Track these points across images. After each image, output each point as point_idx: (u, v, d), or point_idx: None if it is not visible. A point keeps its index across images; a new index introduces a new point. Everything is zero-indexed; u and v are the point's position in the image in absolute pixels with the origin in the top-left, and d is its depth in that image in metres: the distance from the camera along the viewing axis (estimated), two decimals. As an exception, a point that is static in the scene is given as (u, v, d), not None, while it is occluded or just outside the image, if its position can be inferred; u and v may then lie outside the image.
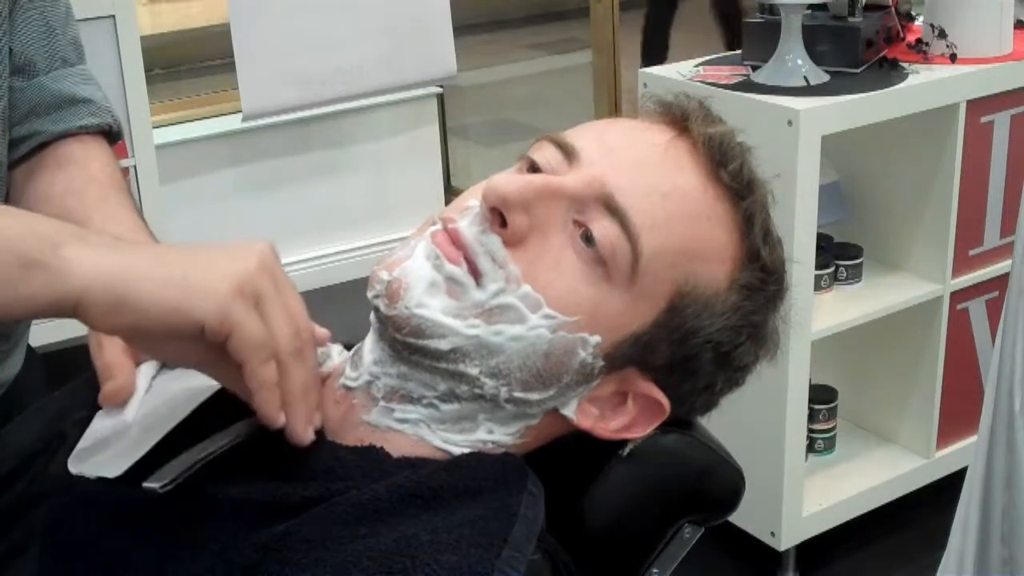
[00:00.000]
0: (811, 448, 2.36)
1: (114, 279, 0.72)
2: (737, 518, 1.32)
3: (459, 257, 0.80)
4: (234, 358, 0.75)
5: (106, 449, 0.82)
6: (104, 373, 0.84)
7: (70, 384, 0.95)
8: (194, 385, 0.85)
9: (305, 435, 0.80)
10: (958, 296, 2.31)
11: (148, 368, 0.87)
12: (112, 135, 1.16)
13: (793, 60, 2.06)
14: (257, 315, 0.75)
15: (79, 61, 1.16)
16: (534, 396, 0.82)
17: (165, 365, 0.88)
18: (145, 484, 0.77)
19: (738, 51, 2.25)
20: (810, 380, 2.20)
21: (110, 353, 0.85)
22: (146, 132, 2.51)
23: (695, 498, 0.90)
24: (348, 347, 0.90)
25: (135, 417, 0.83)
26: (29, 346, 1.24)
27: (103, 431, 0.82)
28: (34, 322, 1.25)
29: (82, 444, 0.83)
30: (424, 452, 0.83)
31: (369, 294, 0.83)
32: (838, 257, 2.29)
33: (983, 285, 2.34)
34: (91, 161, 1.10)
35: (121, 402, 0.84)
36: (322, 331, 0.85)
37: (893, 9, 2.29)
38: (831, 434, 2.39)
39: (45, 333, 1.25)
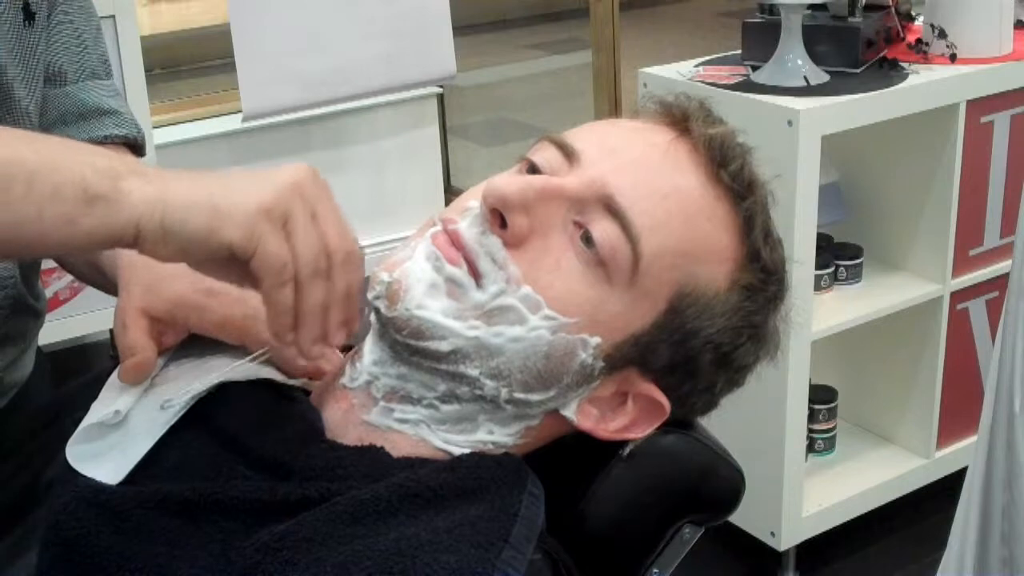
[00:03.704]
0: (811, 448, 2.36)
1: (158, 209, 0.74)
2: (737, 518, 1.32)
3: (459, 258, 0.81)
4: (256, 279, 0.75)
5: (100, 441, 0.82)
6: (125, 353, 0.85)
7: (72, 384, 0.96)
8: (191, 385, 0.85)
9: (311, 351, 0.79)
10: (958, 296, 2.31)
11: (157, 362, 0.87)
12: (136, 147, 1.20)
13: (793, 60, 2.05)
14: (281, 236, 0.75)
15: (107, 76, 1.20)
16: (534, 397, 0.82)
17: (173, 359, 0.88)
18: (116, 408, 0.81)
19: (738, 51, 2.25)
20: (810, 380, 2.19)
21: (133, 335, 0.86)
22: (146, 132, 2.51)
23: (695, 498, 0.90)
24: (347, 349, 0.90)
25: (128, 409, 0.83)
26: (38, 347, 1.25)
27: (96, 417, 0.83)
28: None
29: (80, 427, 0.83)
30: (424, 452, 0.83)
31: (369, 295, 0.83)
32: (838, 257, 2.29)
33: (983, 285, 2.33)
34: None
35: (138, 380, 0.84)
36: None
37: (893, 9, 2.29)
38: (831, 434, 2.39)
39: (46, 332, 1.26)
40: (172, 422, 0.84)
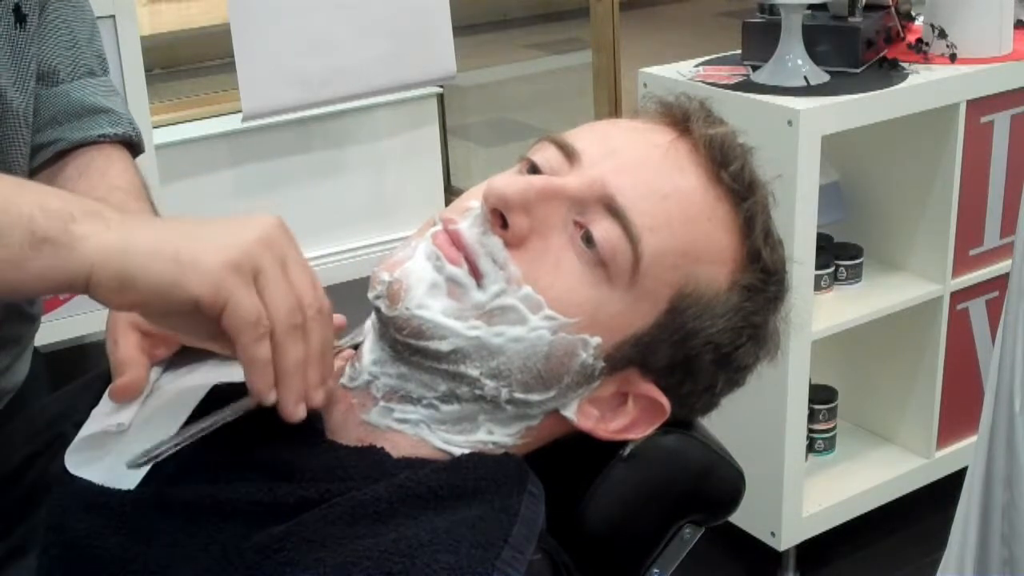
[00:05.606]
0: (811, 448, 2.36)
1: (117, 257, 0.72)
2: (737, 518, 1.32)
3: (460, 258, 0.81)
4: (229, 334, 0.74)
5: (100, 449, 0.82)
6: (117, 369, 0.84)
7: (71, 385, 0.95)
8: (194, 385, 0.85)
9: (294, 412, 0.78)
10: (958, 296, 2.31)
11: (152, 372, 0.86)
12: (132, 146, 1.17)
13: (793, 60, 2.05)
14: (253, 290, 0.73)
15: (103, 73, 1.18)
16: (534, 397, 0.82)
17: (169, 368, 0.88)
18: (127, 463, 0.78)
19: (738, 51, 2.25)
20: (810, 380, 2.20)
21: (124, 350, 0.84)
22: (146, 132, 2.51)
23: (695, 498, 0.90)
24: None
25: (131, 420, 0.82)
26: (35, 348, 1.24)
27: (98, 427, 0.82)
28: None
29: (80, 435, 0.83)
30: (424, 452, 0.83)
31: (370, 295, 0.83)
32: (838, 257, 2.29)
33: (983, 285, 2.34)
34: (111, 168, 1.11)
35: (128, 399, 0.83)
36: (338, 317, 0.85)
37: (893, 9, 2.29)
38: (831, 434, 2.39)
39: (45, 333, 1.26)
40: (175, 448, 0.82)
